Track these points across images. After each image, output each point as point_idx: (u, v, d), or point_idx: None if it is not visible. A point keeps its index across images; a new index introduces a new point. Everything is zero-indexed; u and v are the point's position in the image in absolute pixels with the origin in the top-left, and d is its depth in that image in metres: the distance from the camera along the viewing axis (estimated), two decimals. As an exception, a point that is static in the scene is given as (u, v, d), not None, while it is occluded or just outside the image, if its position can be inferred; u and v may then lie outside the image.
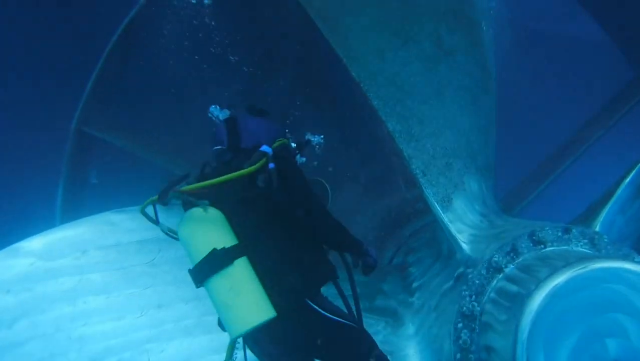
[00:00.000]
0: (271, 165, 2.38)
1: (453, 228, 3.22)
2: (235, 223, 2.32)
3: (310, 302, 2.34)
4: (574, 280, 2.50)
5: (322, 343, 2.38)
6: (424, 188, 3.22)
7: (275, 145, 2.54)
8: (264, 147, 2.45)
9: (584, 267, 2.52)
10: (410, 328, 3.50)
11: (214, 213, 2.30)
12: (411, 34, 3.48)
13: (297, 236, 2.39)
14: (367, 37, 3.41)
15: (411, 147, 3.22)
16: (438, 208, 3.23)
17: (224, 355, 2.32)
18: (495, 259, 2.92)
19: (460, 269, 3.14)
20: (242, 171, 2.33)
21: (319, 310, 2.35)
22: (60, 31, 8.00)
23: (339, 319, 2.44)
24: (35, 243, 3.36)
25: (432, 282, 3.52)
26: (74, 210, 5.39)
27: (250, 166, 2.35)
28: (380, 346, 3.40)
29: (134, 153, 5.34)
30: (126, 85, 5.32)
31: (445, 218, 3.24)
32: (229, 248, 2.20)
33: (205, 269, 2.21)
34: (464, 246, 3.18)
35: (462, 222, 3.29)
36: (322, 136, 3.18)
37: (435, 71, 3.47)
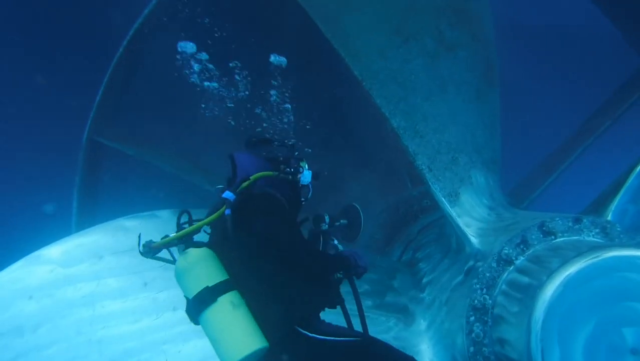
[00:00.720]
0: (227, 212, 2.42)
1: (461, 222, 3.22)
2: (224, 259, 2.42)
3: (300, 329, 2.33)
4: (587, 270, 2.49)
5: None
6: (430, 183, 3.23)
7: (244, 185, 2.57)
8: (226, 194, 2.50)
9: (597, 256, 2.51)
10: (422, 324, 3.50)
11: (204, 252, 2.41)
12: (412, 31, 3.49)
13: (283, 267, 2.42)
14: (368, 35, 3.43)
15: (416, 143, 3.23)
16: (445, 202, 3.23)
17: None
18: (506, 251, 2.91)
19: (470, 263, 3.13)
20: (201, 223, 2.48)
21: (312, 335, 2.34)
22: (72, 41, 8.16)
23: (336, 339, 2.38)
24: (54, 250, 3.55)
25: (442, 277, 3.52)
26: (88, 217, 5.53)
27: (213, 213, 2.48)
28: (392, 340, 3.43)
29: (143, 160, 5.42)
30: (134, 93, 5.40)
31: (453, 212, 3.24)
32: (217, 284, 2.30)
33: (197, 307, 2.31)
34: (473, 239, 3.18)
35: (470, 216, 3.29)
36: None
37: (438, 67, 3.48)
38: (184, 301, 2.47)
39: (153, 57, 5.11)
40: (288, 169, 2.80)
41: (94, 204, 5.74)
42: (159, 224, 4.11)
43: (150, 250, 2.44)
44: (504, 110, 4.07)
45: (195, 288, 2.32)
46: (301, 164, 2.86)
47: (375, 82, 3.22)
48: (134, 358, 3.41)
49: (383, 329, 3.54)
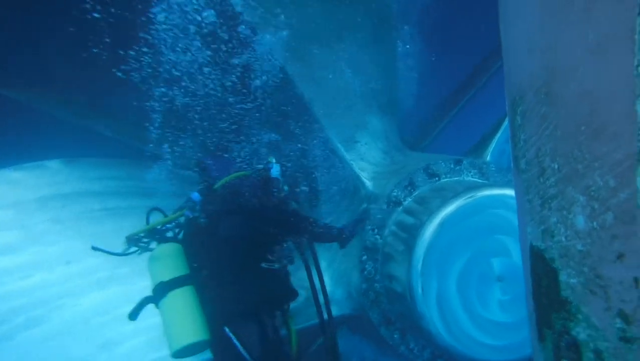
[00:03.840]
0: (187, 213, 2.67)
1: (356, 167, 3.34)
2: (190, 255, 2.61)
3: (228, 331, 2.45)
4: (462, 209, 2.71)
5: None
6: (326, 130, 3.28)
7: (217, 184, 2.79)
8: (193, 195, 2.72)
9: (471, 196, 2.74)
10: (322, 265, 3.67)
11: (169, 248, 2.61)
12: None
13: (233, 267, 2.58)
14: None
15: (312, 91, 3.23)
16: (341, 148, 3.32)
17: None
18: (395, 193, 3.09)
19: (364, 205, 3.29)
20: (166, 218, 2.69)
21: (234, 340, 2.45)
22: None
23: (246, 356, 2.45)
24: None
25: (340, 218, 3.67)
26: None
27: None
28: (296, 284, 3.58)
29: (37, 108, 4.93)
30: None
31: (348, 157, 3.34)
32: (172, 279, 2.49)
33: (153, 298, 2.52)
34: (367, 183, 3.32)
35: (365, 160, 3.41)
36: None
37: (335, 13, 3.43)
38: (78, 254, 2.87)
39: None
40: (258, 167, 3.01)
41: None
42: (47, 176, 3.86)
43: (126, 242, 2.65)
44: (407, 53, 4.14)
45: (154, 281, 2.53)
46: (269, 159, 3.03)
47: (271, 26, 3.12)
48: (24, 315, 3.25)
49: (289, 269, 3.68)
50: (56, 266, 3.44)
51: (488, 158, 3.44)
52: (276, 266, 2.73)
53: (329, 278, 3.60)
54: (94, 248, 2.55)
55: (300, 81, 3.26)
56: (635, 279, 0.85)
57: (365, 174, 3.35)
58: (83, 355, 3.09)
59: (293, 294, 2.75)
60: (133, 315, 2.53)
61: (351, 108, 3.42)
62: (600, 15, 0.83)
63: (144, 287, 3.06)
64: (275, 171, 2.98)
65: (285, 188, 3.03)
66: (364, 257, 3.08)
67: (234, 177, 2.84)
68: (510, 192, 2.78)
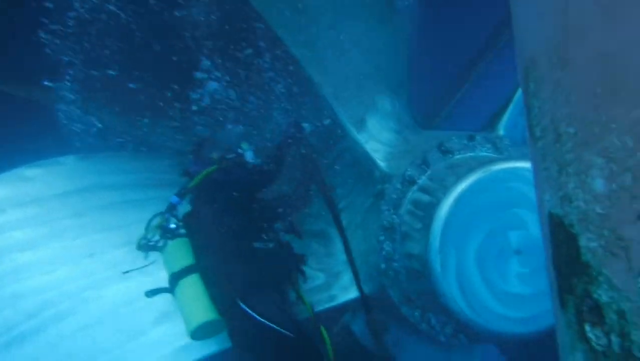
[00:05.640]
0: (166, 213, 3.05)
1: (369, 148, 3.34)
2: (194, 247, 2.95)
3: (241, 304, 2.67)
4: (477, 184, 2.71)
5: (255, 344, 2.76)
6: (337, 112, 3.28)
7: (192, 183, 3.06)
8: (172, 198, 3.07)
9: (486, 170, 2.73)
10: (339, 246, 3.70)
11: (177, 243, 2.97)
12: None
13: (226, 252, 2.86)
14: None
15: (320, 72, 3.22)
16: (353, 129, 3.32)
17: (162, 295, 2.94)
18: (409, 173, 3.08)
19: (379, 186, 3.30)
20: (156, 223, 3.07)
21: (249, 311, 2.64)
22: None
23: (266, 323, 2.63)
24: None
25: (356, 201, 3.69)
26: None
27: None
28: (315, 264, 3.63)
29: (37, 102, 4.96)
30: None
31: (360, 138, 3.33)
32: (181, 270, 2.84)
33: (169, 289, 2.89)
34: (381, 163, 3.32)
35: (377, 141, 3.40)
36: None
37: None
38: (101, 247, 3.27)
39: None
40: (230, 156, 3.18)
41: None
42: (63, 172, 3.93)
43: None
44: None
45: (168, 274, 2.90)
46: (242, 145, 3.22)
47: (273, 11, 3.11)
48: (53, 308, 3.33)
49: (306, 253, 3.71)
50: (80, 260, 3.50)
51: (501, 132, 3.41)
52: (270, 245, 2.96)
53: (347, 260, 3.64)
54: (125, 272, 3.05)
55: (307, 64, 3.26)
56: (657, 238, 0.85)
57: (379, 155, 3.35)
58: (112, 346, 3.16)
59: (291, 271, 2.98)
60: (149, 294, 2.94)
61: (361, 89, 3.41)
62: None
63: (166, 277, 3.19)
64: (249, 155, 3.17)
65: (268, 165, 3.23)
66: (382, 237, 3.09)
67: (210, 172, 3.07)
68: (525, 164, 2.76)
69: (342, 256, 3.68)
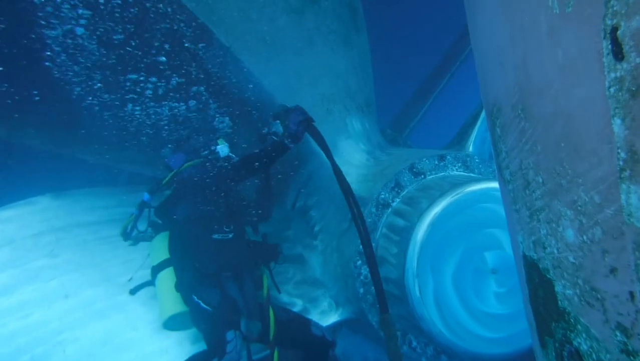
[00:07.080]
0: (134, 211, 3.28)
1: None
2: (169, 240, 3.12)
3: (194, 297, 2.80)
4: (450, 207, 2.72)
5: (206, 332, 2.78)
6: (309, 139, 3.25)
7: (164, 180, 3.23)
8: (145, 195, 3.24)
9: (458, 192, 2.75)
10: (317, 270, 3.67)
11: (159, 237, 3.17)
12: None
13: (188, 244, 2.98)
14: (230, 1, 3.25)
15: (290, 100, 3.20)
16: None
17: (140, 331, 3.06)
18: (383, 196, 3.08)
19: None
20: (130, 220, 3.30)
21: (198, 301, 2.78)
22: None
23: (205, 307, 2.76)
24: None
25: (331, 224, 3.67)
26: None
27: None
28: (292, 290, 3.58)
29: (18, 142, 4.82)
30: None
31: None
32: (159, 263, 3.02)
33: (152, 280, 3.08)
34: (353, 186, 3.30)
35: (349, 164, 3.40)
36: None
37: (303, 21, 3.40)
38: (76, 286, 3.31)
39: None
40: (205, 152, 3.33)
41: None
42: (37, 212, 3.84)
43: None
44: (375, 51, 4.13)
45: (152, 264, 3.07)
46: (218, 141, 3.33)
47: (243, 45, 3.09)
48: (27, 354, 3.21)
49: (283, 279, 3.67)
50: (55, 301, 3.40)
51: (471, 149, 3.45)
52: (230, 236, 3.00)
53: (323, 284, 3.61)
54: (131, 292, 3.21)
55: (277, 92, 3.24)
56: (631, 294, 0.84)
57: (351, 178, 3.33)
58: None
59: (250, 260, 3.01)
60: (133, 291, 3.17)
61: (330, 113, 3.40)
62: (566, 39, 0.82)
63: (144, 313, 3.32)
64: (224, 150, 3.28)
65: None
66: (359, 262, 3.07)
67: (185, 168, 3.21)
68: (496, 184, 2.79)
69: (318, 282, 3.67)
